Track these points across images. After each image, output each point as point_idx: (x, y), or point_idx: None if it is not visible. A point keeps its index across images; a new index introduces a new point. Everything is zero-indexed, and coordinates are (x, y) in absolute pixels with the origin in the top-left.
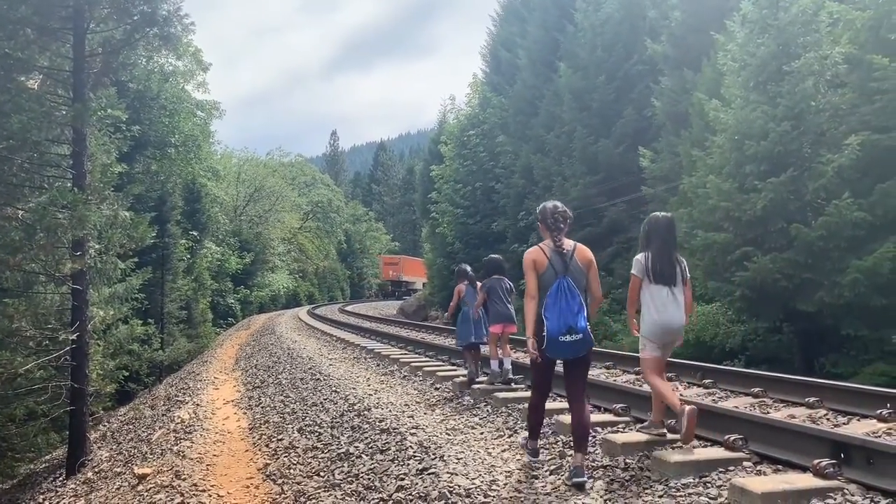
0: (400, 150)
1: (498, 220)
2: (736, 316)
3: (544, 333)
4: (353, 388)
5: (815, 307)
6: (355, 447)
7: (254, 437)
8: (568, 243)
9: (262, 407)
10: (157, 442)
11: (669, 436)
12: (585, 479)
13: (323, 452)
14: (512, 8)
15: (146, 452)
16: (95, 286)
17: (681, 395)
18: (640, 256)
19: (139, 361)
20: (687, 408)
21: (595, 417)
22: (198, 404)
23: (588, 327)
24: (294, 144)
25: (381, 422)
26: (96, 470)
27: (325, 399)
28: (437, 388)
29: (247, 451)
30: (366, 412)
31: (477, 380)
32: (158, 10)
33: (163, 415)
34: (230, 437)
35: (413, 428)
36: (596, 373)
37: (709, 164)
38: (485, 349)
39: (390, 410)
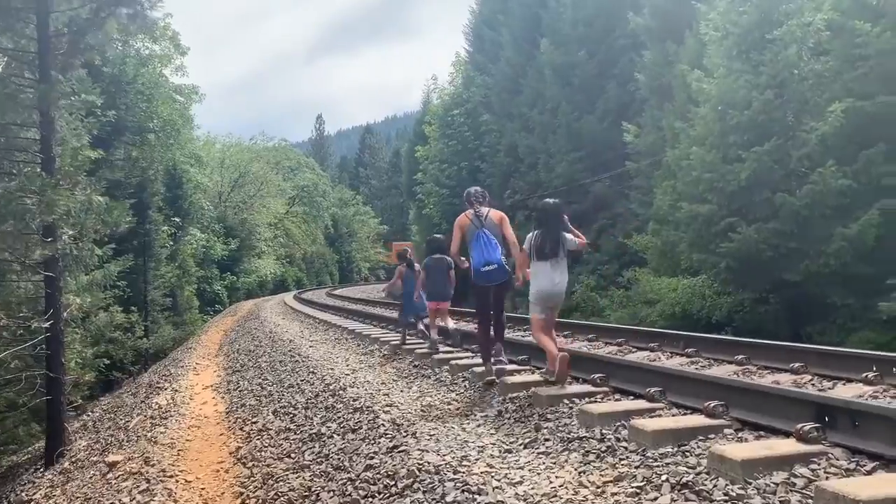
0: (387, 133)
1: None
2: (721, 288)
3: (471, 269)
4: (332, 369)
5: (800, 277)
6: (327, 427)
7: (229, 421)
8: (483, 209)
9: (240, 391)
10: (133, 429)
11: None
12: (504, 359)
13: (295, 434)
14: None
15: (122, 440)
16: (73, 273)
17: (662, 363)
18: (530, 235)
19: (123, 349)
20: (559, 354)
21: (574, 388)
22: (176, 390)
23: (502, 261)
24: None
25: (355, 401)
26: (73, 460)
27: (301, 381)
28: (415, 366)
29: (221, 434)
30: (341, 392)
31: (406, 342)
32: None
33: (142, 402)
34: (206, 421)
35: (387, 406)
36: (578, 345)
37: (692, 136)
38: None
39: (366, 389)
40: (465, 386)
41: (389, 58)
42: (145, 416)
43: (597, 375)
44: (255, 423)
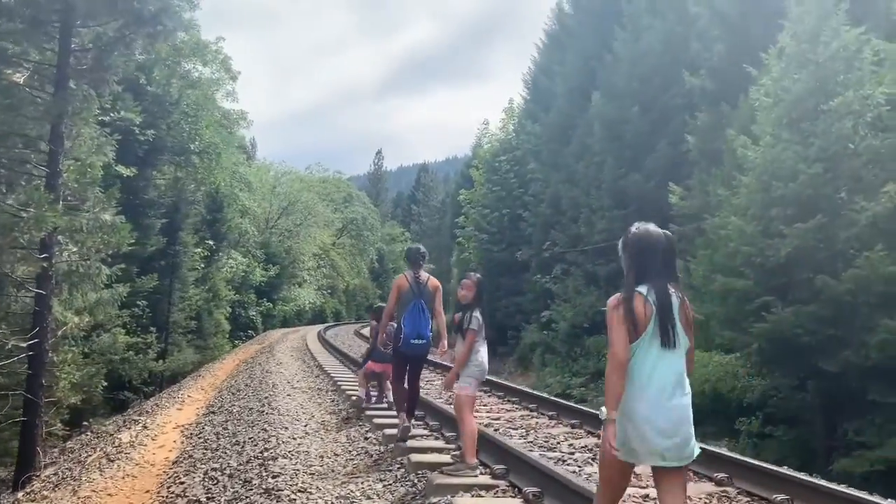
0: (445, 173)
1: (522, 249)
2: (755, 369)
3: (402, 335)
4: (285, 429)
5: (839, 367)
6: None
7: (167, 475)
8: (423, 275)
9: (201, 437)
10: (89, 465)
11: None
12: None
13: None
14: (554, 36)
15: (74, 476)
16: (79, 290)
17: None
18: (477, 314)
19: (134, 370)
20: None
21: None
22: (145, 426)
23: (430, 336)
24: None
25: (274, 478)
26: (28, 491)
27: (251, 438)
28: (365, 438)
29: (147, 492)
30: (270, 462)
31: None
32: (146, 6)
33: (111, 434)
34: (147, 471)
35: (300, 491)
36: (510, 417)
37: (734, 205)
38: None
39: (295, 464)
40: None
41: (459, 99)
42: (103, 454)
43: (498, 467)
44: (181, 483)
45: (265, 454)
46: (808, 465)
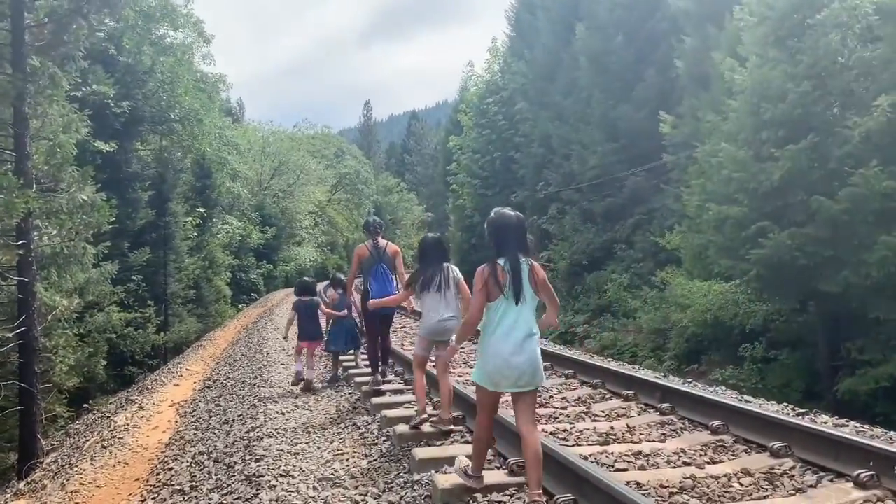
0: (437, 119)
1: (517, 191)
2: (755, 295)
3: (370, 297)
4: (275, 402)
5: (839, 288)
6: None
7: (158, 460)
8: (382, 242)
9: (194, 415)
10: (85, 451)
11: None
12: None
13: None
14: None
15: (72, 463)
16: (68, 272)
17: (626, 424)
18: (417, 271)
19: (136, 345)
20: (423, 417)
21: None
22: (141, 406)
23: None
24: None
25: (257, 461)
26: (29, 480)
27: (240, 414)
28: (354, 408)
29: (136, 480)
30: (255, 443)
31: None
32: None
33: (109, 416)
34: (139, 456)
35: (281, 475)
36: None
37: (724, 131)
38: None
39: (280, 443)
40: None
41: (444, 42)
42: (99, 438)
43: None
44: (170, 469)
45: (251, 434)
46: (813, 387)
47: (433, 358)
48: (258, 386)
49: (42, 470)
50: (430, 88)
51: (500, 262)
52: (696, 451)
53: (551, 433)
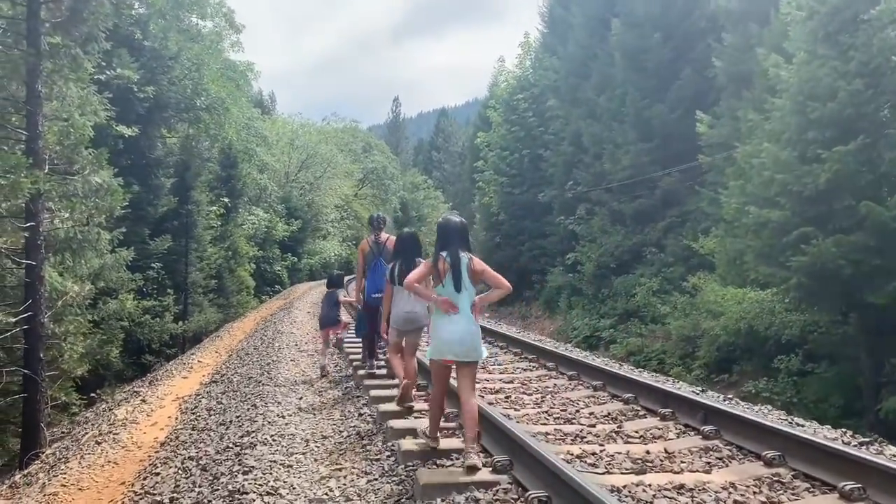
0: (465, 117)
1: (545, 190)
2: (793, 305)
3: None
4: (278, 404)
5: (886, 299)
6: None
7: (149, 461)
8: (383, 236)
9: (195, 413)
10: (82, 445)
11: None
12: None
13: None
14: None
15: (67, 457)
16: (80, 257)
17: (665, 448)
18: (391, 265)
19: (153, 333)
20: (405, 381)
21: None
22: (144, 400)
23: None
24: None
25: (245, 474)
26: (25, 473)
27: (238, 415)
28: (360, 415)
29: (122, 483)
30: (247, 450)
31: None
32: None
33: (111, 409)
34: (132, 456)
35: (268, 493)
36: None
37: (767, 130)
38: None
39: (274, 453)
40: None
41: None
42: (97, 433)
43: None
44: (157, 475)
45: (245, 440)
46: (853, 403)
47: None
48: (263, 383)
49: (41, 462)
50: (461, 86)
51: (443, 254)
52: (748, 486)
53: (578, 456)
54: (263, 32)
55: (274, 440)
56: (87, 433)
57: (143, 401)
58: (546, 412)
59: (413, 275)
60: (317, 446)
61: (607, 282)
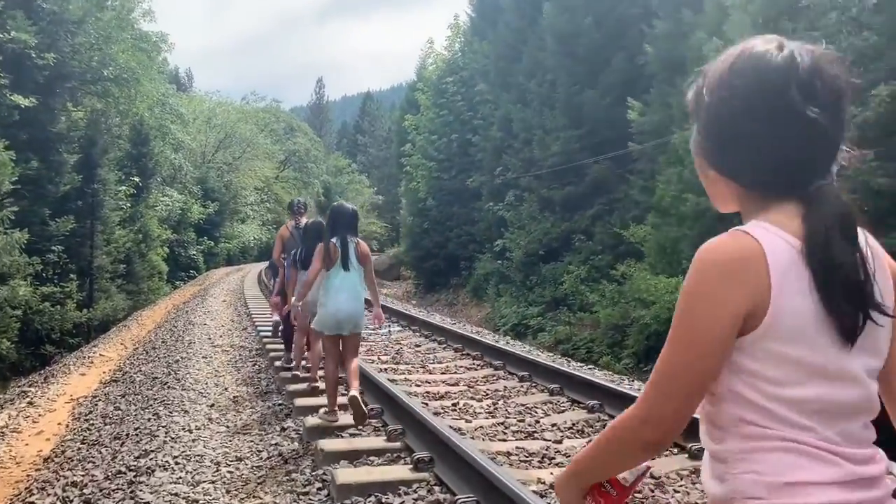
0: (391, 102)
1: (474, 176)
2: None
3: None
4: (184, 412)
5: None
6: None
7: (24, 484)
8: (303, 222)
9: (88, 420)
10: None
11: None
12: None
13: None
14: None
15: None
16: None
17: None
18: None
19: (54, 321)
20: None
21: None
22: (31, 402)
23: None
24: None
25: None
26: None
27: (137, 427)
28: (282, 430)
29: None
30: (143, 477)
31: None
32: None
33: None
34: (5, 476)
35: None
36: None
37: None
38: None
39: (178, 479)
40: None
41: (402, 23)
42: None
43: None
44: None
45: (141, 462)
46: None
47: None
48: (169, 385)
49: None
50: (386, 70)
51: (333, 240)
52: None
53: (547, 483)
54: (182, 6)
55: (177, 463)
56: None
57: (31, 403)
58: (502, 423)
59: (314, 267)
60: (230, 472)
61: (536, 269)
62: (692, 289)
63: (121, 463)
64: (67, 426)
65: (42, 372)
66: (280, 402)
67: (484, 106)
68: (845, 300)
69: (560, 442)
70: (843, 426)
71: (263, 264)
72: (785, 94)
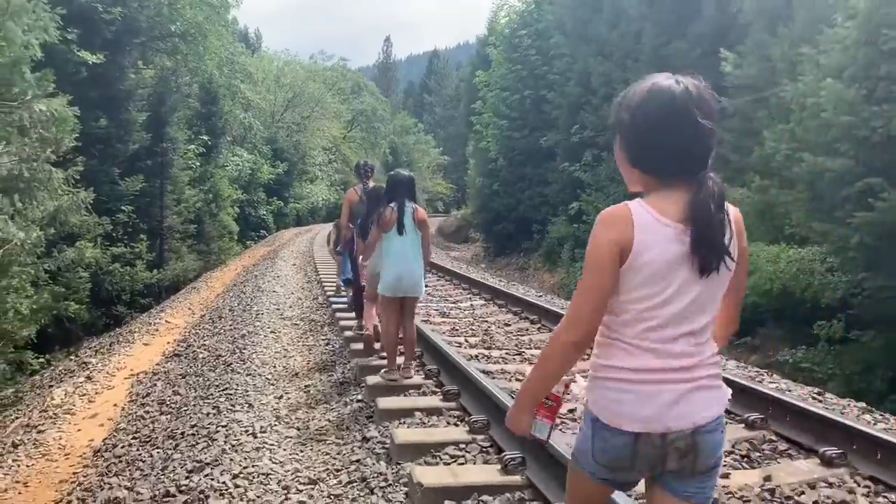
0: (458, 60)
1: (548, 135)
2: (843, 266)
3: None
4: (247, 408)
5: None
6: None
7: (65, 491)
8: (371, 186)
9: (145, 405)
10: (3, 439)
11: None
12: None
13: None
14: None
15: None
16: (32, 200)
17: None
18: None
19: (125, 282)
20: (369, 334)
21: None
22: (89, 377)
23: None
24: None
25: None
26: None
27: (194, 425)
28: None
29: None
30: (195, 492)
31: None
32: None
33: (49, 384)
34: (49, 472)
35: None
36: None
37: (823, 65)
38: None
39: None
40: None
41: None
42: (23, 424)
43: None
44: None
45: (193, 480)
46: None
47: None
48: (233, 368)
49: None
50: (453, 28)
51: (392, 205)
52: None
53: None
54: None
55: (236, 486)
56: (8, 427)
57: (89, 378)
58: None
59: (372, 232)
60: (301, 500)
61: None
62: (592, 236)
63: (171, 478)
64: (123, 409)
65: (112, 334)
66: (359, 398)
67: (560, 60)
68: (709, 249)
69: None
70: (669, 332)
71: (330, 226)
72: (688, 111)
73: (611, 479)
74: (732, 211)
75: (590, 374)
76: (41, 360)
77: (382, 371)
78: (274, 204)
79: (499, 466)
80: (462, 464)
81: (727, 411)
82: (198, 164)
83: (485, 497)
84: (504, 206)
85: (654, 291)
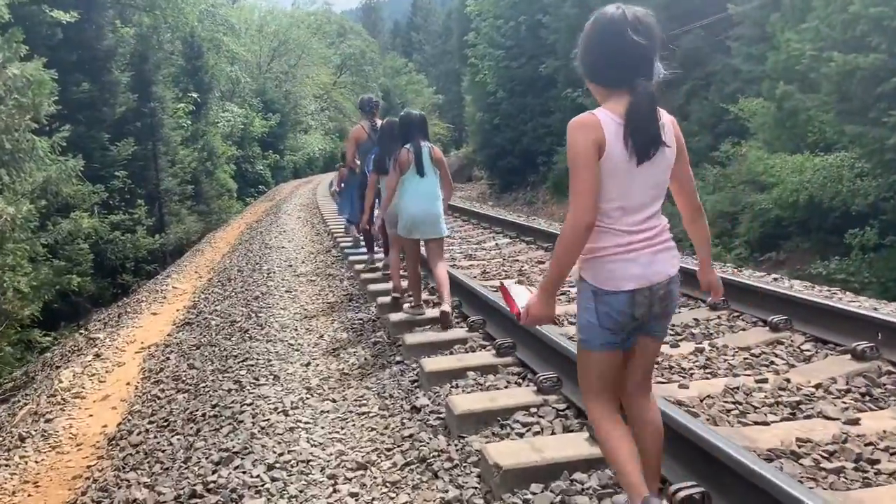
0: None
1: (547, 62)
2: (875, 170)
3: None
4: (273, 380)
5: None
6: None
7: (79, 489)
8: (378, 122)
9: (159, 381)
10: (3, 441)
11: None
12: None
13: None
14: None
15: None
16: (17, 172)
17: None
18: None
19: (128, 250)
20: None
21: None
22: (98, 354)
23: None
24: None
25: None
26: None
27: (215, 405)
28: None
29: None
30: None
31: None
32: None
33: (57, 365)
34: (60, 467)
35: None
36: None
37: None
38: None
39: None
40: None
41: None
42: (30, 413)
43: None
44: None
45: (222, 475)
46: None
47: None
48: (251, 335)
49: None
50: None
51: (407, 146)
52: None
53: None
54: None
55: (273, 479)
56: (17, 415)
57: (98, 354)
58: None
59: (391, 176)
60: (352, 495)
61: None
62: (570, 142)
63: (195, 472)
64: (136, 388)
65: (120, 304)
66: (398, 359)
67: None
68: (642, 137)
69: None
70: (636, 216)
71: (331, 175)
72: (621, 30)
73: (616, 341)
74: (667, 116)
75: (582, 258)
76: (49, 336)
77: (406, 306)
78: (270, 158)
79: (585, 435)
80: (538, 432)
81: None
82: (189, 122)
83: (577, 475)
84: (507, 140)
85: (619, 182)
